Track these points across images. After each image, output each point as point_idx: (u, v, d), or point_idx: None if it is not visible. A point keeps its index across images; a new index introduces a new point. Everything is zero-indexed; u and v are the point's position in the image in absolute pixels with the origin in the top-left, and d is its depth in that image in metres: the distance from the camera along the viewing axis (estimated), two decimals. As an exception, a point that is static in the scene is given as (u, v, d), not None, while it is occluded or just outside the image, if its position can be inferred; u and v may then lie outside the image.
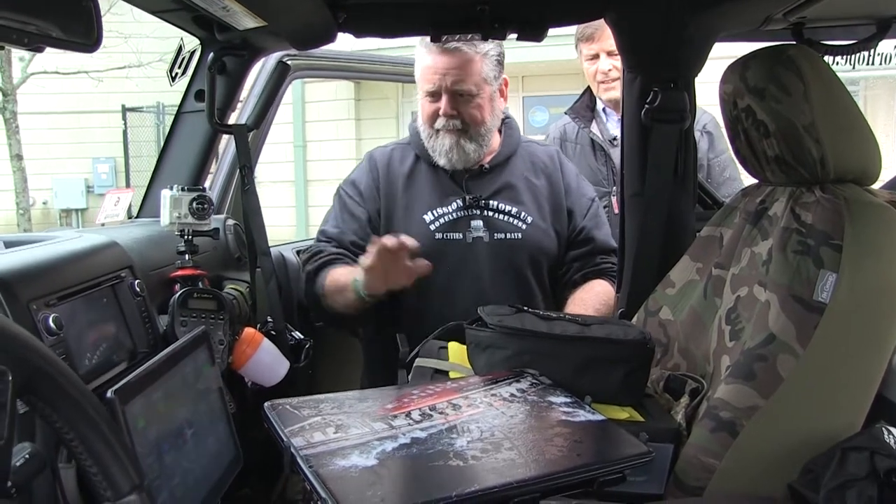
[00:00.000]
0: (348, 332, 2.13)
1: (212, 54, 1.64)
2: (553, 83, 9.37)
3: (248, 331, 1.54)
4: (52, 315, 0.92)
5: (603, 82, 2.33)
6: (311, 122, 11.27)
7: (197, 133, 1.82)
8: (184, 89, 1.81)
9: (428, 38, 1.68)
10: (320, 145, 11.04)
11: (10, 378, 0.59)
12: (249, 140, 2.00)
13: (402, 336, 1.39)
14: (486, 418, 1.10)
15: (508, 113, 1.98)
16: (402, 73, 2.59)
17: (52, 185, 11.65)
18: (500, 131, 1.93)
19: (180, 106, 1.84)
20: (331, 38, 1.60)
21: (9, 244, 1.16)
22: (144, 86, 9.76)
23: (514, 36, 1.60)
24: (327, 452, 0.95)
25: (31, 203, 11.26)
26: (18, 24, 0.86)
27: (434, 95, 1.81)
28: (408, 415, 1.09)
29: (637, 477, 1.17)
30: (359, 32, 1.59)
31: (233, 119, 1.83)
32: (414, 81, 1.88)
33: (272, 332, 1.64)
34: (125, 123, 11.33)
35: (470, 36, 1.64)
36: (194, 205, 1.41)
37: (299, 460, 0.94)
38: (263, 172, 11.44)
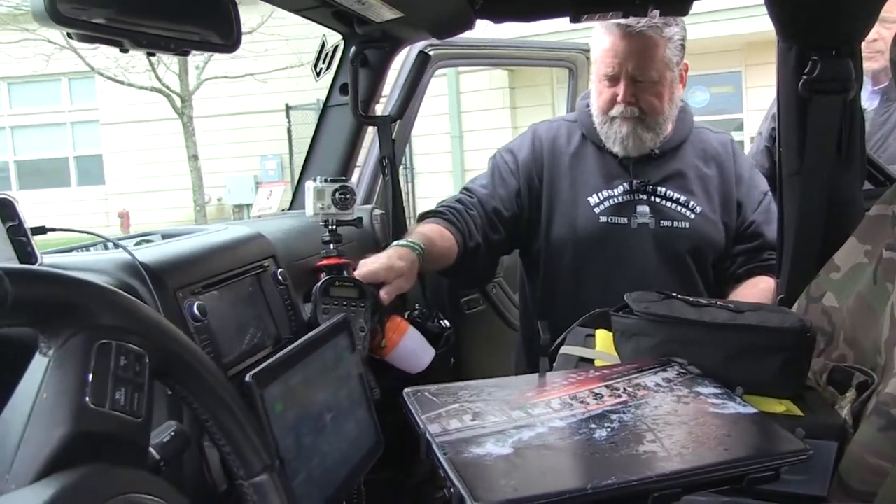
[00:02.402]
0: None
1: (353, 48, 1.67)
2: (711, 61, 8.97)
3: (394, 318, 1.57)
4: (197, 302, 0.97)
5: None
6: (466, 113, 11.40)
7: (342, 126, 1.87)
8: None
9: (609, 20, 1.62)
10: (476, 135, 11.15)
11: (148, 361, 0.62)
12: (396, 132, 2.05)
13: (544, 323, 1.36)
14: (628, 408, 1.06)
15: (683, 99, 1.87)
16: (549, 58, 2.56)
17: (226, 182, 12.44)
18: None
19: (326, 100, 1.89)
20: (469, 26, 1.60)
21: (165, 236, 1.24)
22: (305, 84, 10.21)
23: (657, 12, 1.52)
24: (462, 440, 0.95)
25: (206, 200, 12.08)
26: (166, 31, 0.91)
27: (612, 80, 1.73)
28: (547, 403, 1.07)
29: (796, 476, 1.09)
30: (496, 18, 1.57)
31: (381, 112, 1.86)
32: (565, 66, 1.83)
33: (418, 320, 1.66)
34: (289, 121, 11.91)
35: (646, 19, 1.57)
36: (337, 195, 1.44)
37: (434, 447, 0.94)
38: (422, 163, 11.75)
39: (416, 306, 1.76)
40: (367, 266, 1.48)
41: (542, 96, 10.68)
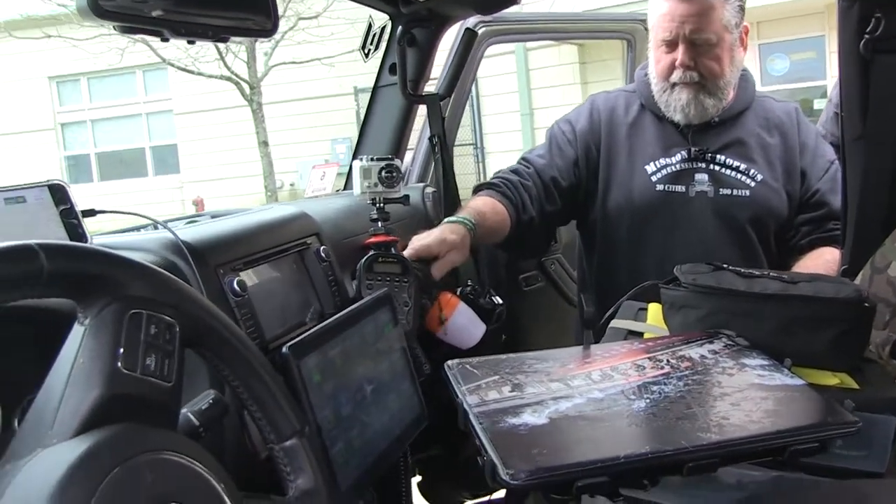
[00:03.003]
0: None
1: (400, 28, 1.70)
2: (791, 26, 8.68)
3: (445, 294, 1.60)
4: (237, 278, 1.02)
5: None
6: (536, 90, 11.35)
7: (392, 106, 1.90)
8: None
9: None
10: (547, 112, 11.08)
11: (178, 330, 0.67)
12: (448, 110, 2.08)
13: (588, 296, 1.38)
14: (669, 380, 1.06)
15: (745, 66, 1.84)
16: (605, 30, 2.54)
17: (297, 167, 12.69)
18: None
19: (376, 81, 1.93)
20: (514, 0, 1.61)
21: (214, 217, 1.30)
22: (373, 66, 10.31)
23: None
24: (499, 410, 0.97)
25: (279, 185, 12.35)
26: (204, 19, 0.96)
27: (670, 45, 1.71)
28: (587, 375, 1.08)
29: (852, 451, 1.07)
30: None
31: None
32: (622, 38, 1.82)
33: (470, 296, 1.69)
34: (357, 104, 12.07)
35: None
36: (383, 173, 1.47)
37: (471, 417, 0.96)
38: (492, 142, 11.75)
39: (469, 283, 1.79)
40: (420, 241, 1.52)
41: (613, 71, 10.51)
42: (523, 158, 1.89)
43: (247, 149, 12.57)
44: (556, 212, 1.83)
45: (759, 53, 9.59)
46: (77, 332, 0.63)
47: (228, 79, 11.66)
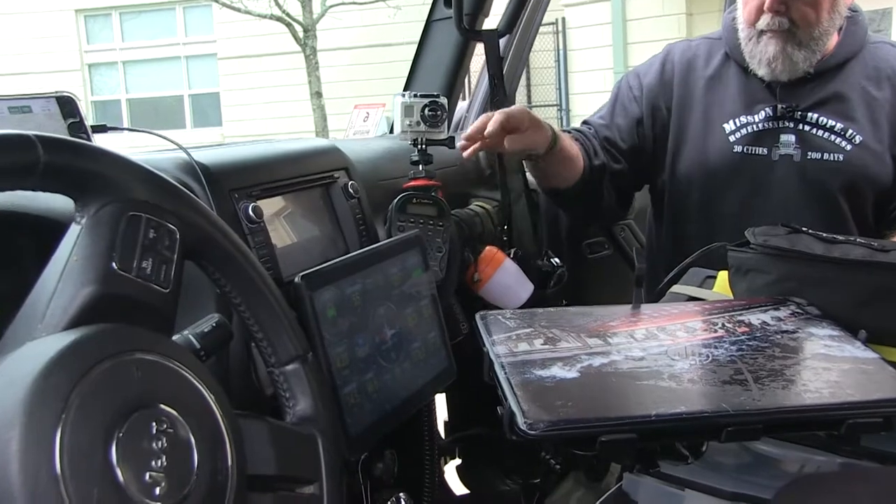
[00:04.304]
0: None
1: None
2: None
3: (490, 249, 1.65)
4: (253, 205, 1.10)
5: None
6: (634, 44, 11.18)
7: (447, 41, 1.94)
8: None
9: None
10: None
11: (179, 237, 0.75)
12: (512, 52, 2.12)
13: (639, 247, 1.40)
14: (721, 343, 1.10)
15: (856, 6, 1.80)
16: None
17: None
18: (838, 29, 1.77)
19: (430, 14, 1.97)
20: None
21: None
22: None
23: None
24: (528, 362, 1.02)
25: (333, 141, 12.50)
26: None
27: None
28: (630, 334, 1.13)
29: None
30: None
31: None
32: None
33: (519, 253, 1.74)
34: (425, 54, 12.08)
35: None
36: (426, 111, 1.52)
37: (496, 367, 1.02)
38: (580, 104, 11.65)
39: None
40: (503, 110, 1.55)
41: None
42: (584, 121, 1.92)
43: (298, 101, 12.74)
44: (623, 171, 1.85)
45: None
46: (73, 231, 0.70)
47: (280, 19, 11.83)
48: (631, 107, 1.87)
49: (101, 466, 0.59)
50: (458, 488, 2.07)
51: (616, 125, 1.86)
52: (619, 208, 2.01)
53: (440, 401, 1.95)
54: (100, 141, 1.07)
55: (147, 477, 0.61)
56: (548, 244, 2.01)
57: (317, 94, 12.05)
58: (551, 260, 1.87)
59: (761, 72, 1.73)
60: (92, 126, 1.06)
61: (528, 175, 1.95)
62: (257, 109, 13.86)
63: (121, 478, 0.59)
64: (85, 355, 0.62)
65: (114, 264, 0.70)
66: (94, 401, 0.60)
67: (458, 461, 2.09)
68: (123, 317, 0.69)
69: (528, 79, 12.55)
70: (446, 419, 2.05)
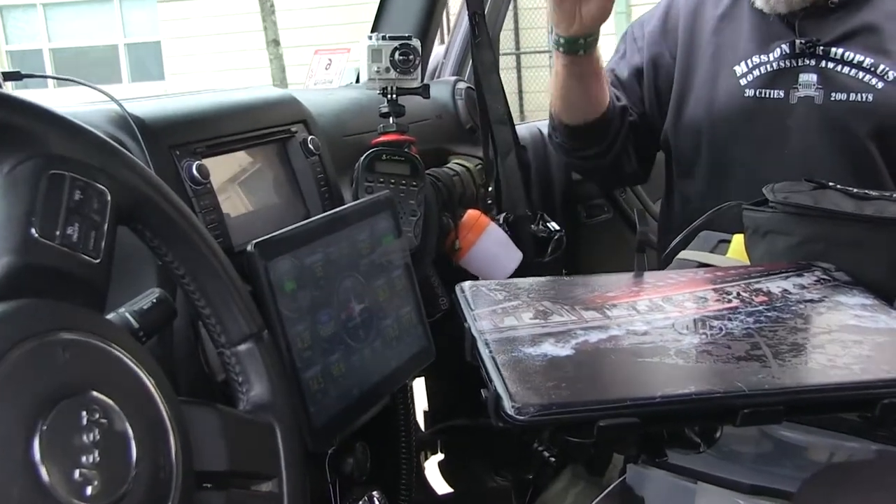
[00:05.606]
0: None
1: None
2: None
3: (472, 213, 1.65)
4: (198, 163, 1.09)
5: None
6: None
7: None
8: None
9: None
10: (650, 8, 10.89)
11: (110, 199, 0.73)
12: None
13: (641, 209, 1.39)
14: (736, 315, 1.10)
15: None
16: None
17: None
18: None
19: (400, -57, 1.96)
20: None
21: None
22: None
23: None
24: (515, 338, 1.01)
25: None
26: None
27: None
28: (632, 305, 1.12)
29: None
30: None
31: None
32: None
33: (509, 218, 1.74)
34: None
35: None
36: (397, 56, 1.49)
37: (479, 344, 1.01)
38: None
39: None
40: None
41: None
42: None
43: (252, 50, 12.64)
44: (636, 125, 1.85)
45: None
46: (-14, 194, 0.69)
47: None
48: (632, 57, 1.88)
49: (22, 463, 0.58)
50: (441, 486, 2.08)
51: (617, 78, 1.87)
52: (639, 168, 2.00)
53: (419, 388, 1.95)
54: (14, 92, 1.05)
55: (77, 475, 0.61)
56: (539, 207, 2.01)
57: (273, 42, 11.92)
58: (547, 224, 1.86)
59: (758, 3, 1.72)
60: (3, 72, 1.04)
61: (517, 127, 1.94)
62: (205, 60, 13.73)
63: (45, 476, 0.59)
64: (1, 336, 0.61)
65: (33, 230, 0.68)
66: (13, 388, 0.60)
67: (440, 456, 2.09)
68: (47, 291, 0.68)
69: (516, 21, 12.48)
70: (426, 409, 2.06)
